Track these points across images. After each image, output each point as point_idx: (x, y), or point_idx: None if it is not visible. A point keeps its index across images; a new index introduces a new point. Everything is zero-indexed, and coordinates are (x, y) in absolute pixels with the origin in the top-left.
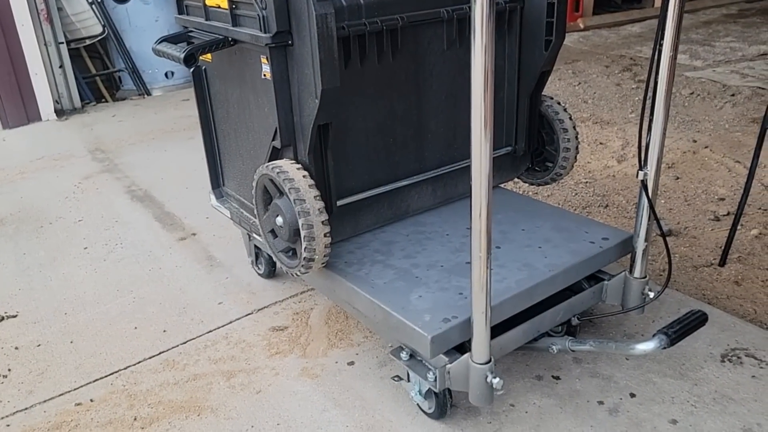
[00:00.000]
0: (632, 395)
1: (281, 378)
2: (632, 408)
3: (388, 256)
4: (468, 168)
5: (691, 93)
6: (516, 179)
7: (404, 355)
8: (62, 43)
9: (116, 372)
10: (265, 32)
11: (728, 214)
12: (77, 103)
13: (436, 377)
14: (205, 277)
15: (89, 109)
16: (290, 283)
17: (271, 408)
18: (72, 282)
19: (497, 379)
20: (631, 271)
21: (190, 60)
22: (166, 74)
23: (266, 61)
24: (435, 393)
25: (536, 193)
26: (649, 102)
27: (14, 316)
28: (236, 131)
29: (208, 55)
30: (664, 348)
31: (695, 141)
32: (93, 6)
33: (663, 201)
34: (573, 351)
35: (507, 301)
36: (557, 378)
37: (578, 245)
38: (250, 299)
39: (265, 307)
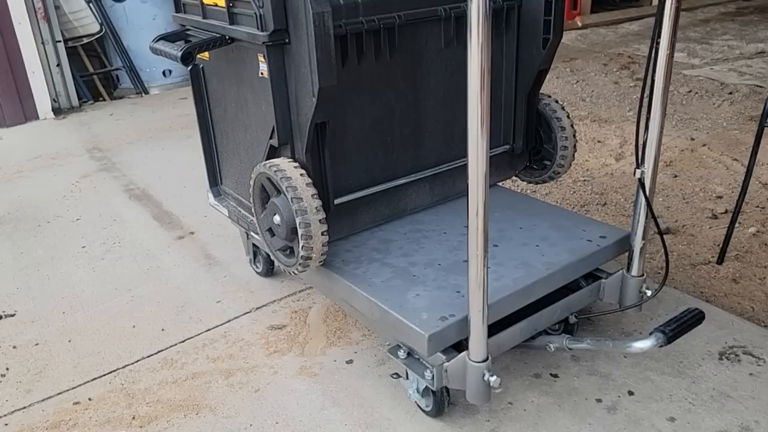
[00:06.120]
0: (630, 393)
1: (280, 376)
2: (630, 406)
3: (385, 254)
4: (466, 166)
5: (689, 91)
6: (514, 177)
7: (402, 354)
8: (59, 41)
9: (114, 371)
10: (262, 30)
11: (726, 212)
12: (75, 101)
13: (433, 375)
14: (204, 276)
15: (87, 107)
16: (288, 281)
17: (269, 406)
18: (70, 281)
19: (494, 377)
20: (628, 269)
21: (187, 58)
22: (163, 72)
23: (263, 60)
24: (432, 391)
25: (534, 192)
26: (646, 100)
27: (12, 315)
28: (234, 129)
29: (206, 54)
30: (661, 346)
31: (693, 139)
32: (90, 4)
33: (661, 199)
34: (570, 349)
35: (504, 299)
36: (555, 376)
37: (576, 243)
38: (248, 298)
39: (263, 306)
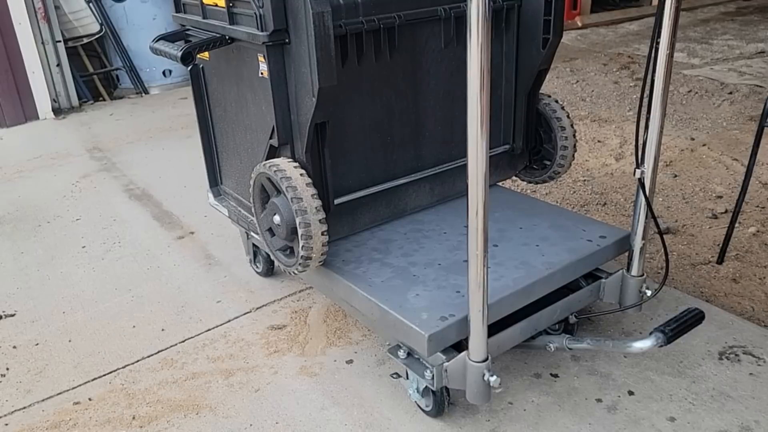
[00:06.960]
0: (630, 393)
1: (280, 376)
2: (630, 405)
3: (385, 254)
4: (466, 166)
5: (689, 91)
6: (514, 177)
7: (402, 354)
8: (59, 41)
9: (115, 371)
10: (262, 30)
11: (726, 211)
12: (75, 101)
13: (433, 375)
14: (204, 276)
15: (87, 107)
16: (288, 281)
17: (269, 406)
18: (70, 281)
19: (494, 377)
20: (628, 269)
21: (187, 58)
22: (163, 72)
23: (263, 60)
24: (432, 391)
25: (534, 192)
26: (646, 100)
27: (12, 315)
28: (234, 129)
29: (206, 54)
30: (661, 346)
31: (693, 139)
32: (90, 4)
33: (661, 199)
34: (570, 349)
35: (504, 299)
36: (555, 376)
37: (576, 243)
38: (248, 298)
39: (263, 306)
